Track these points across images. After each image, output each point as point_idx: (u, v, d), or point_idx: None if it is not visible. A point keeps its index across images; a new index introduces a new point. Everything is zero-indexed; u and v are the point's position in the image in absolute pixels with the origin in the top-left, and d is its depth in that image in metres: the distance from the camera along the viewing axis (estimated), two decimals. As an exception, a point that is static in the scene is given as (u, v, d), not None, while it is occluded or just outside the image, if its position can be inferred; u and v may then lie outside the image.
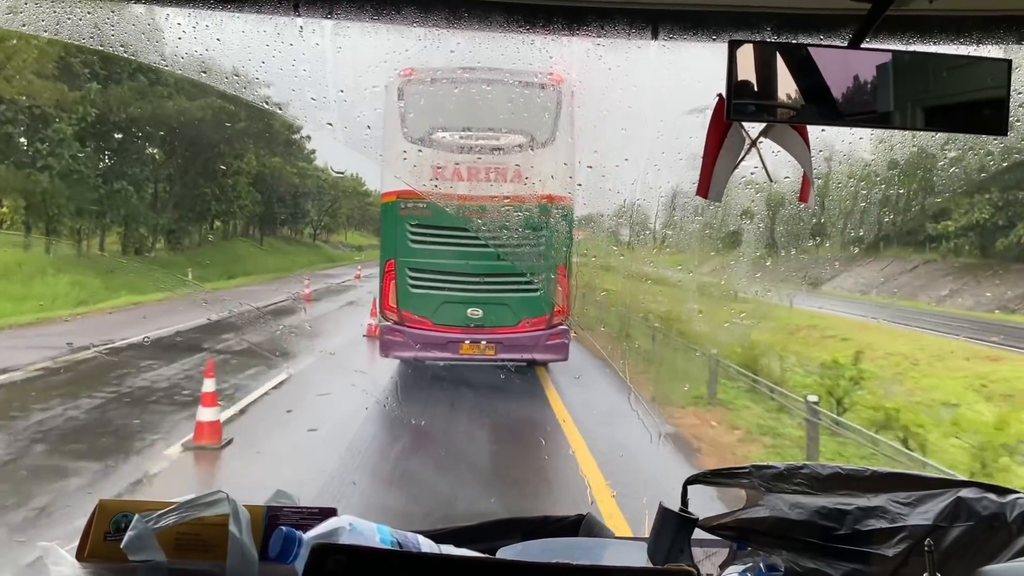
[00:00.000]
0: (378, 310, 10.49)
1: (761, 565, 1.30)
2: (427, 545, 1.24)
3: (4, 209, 25.05)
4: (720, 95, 1.27)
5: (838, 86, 1.25)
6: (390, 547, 1.18)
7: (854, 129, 1.48)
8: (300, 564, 1.10)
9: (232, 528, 1.16)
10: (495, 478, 7.01)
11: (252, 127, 29.51)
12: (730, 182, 1.39)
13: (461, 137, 9.51)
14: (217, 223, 35.22)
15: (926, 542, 1.17)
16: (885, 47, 1.29)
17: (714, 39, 1.40)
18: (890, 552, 1.27)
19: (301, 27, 1.30)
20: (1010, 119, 1.29)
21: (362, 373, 10.84)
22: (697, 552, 1.34)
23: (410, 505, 5.99)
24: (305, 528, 1.17)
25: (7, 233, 24.57)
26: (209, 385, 7.34)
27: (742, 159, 1.38)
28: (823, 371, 12.17)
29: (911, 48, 1.44)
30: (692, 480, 1.37)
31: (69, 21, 1.22)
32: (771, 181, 1.46)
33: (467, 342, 9.77)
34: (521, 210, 9.26)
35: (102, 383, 9.65)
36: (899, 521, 1.30)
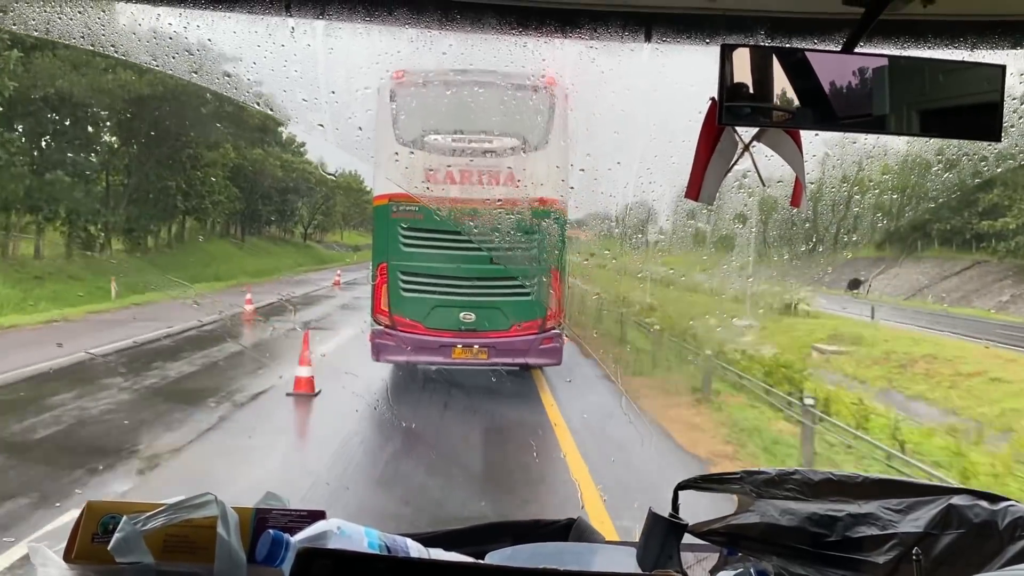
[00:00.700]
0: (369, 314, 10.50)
1: (751, 571, 1.31)
2: (416, 549, 1.25)
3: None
4: (713, 98, 1.28)
5: (831, 90, 1.26)
6: (378, 551, 1.18)
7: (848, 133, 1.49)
8: (287, 567, 1.11)
9: (220, 530, 1.17)
10: (488, 482, 7.03)
11: (223, 110, 26.67)
12: (724, 185, 1.40)
13: (454, 140, 9.53)
14: (191, 221, 32.29)
15: (914, 551, 1.18)
16: (879, 51, 1.31)
17: (707, 42, 1.42)
18: (880, 559, 1.28)
19: (293, 28, 1.31)
20: (1004, 124, 1.31)
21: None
22: (687, 557, 1.35)
23: (400, 508, 5.99)
24: (293, 531, 1.17)
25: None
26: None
27: (734, 163, 1.40)
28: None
29: (905, 52, 1.46)
30: (683, 485, 1.38)
31: (59, 21, 1.23)
32: (763, 185, 1.48)
33: (459, 346, 9.77)
34: (514, 214, 9.27)
35: None
36: (890, 528, 1.31)
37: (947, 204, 31.65)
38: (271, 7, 1.25)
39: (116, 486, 6.46)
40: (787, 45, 1.41)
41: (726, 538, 1.33)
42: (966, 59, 1.41)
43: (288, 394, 9.54)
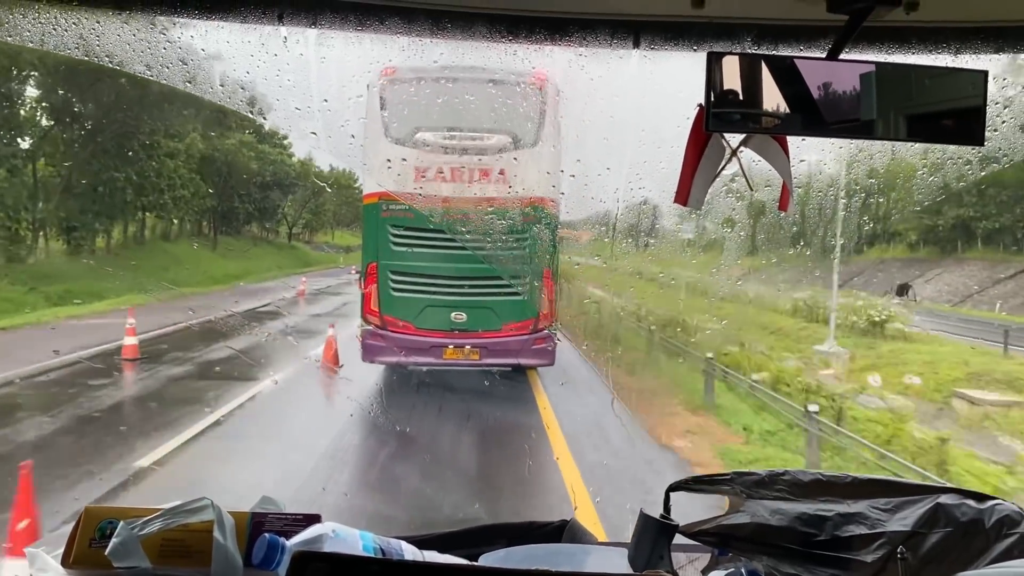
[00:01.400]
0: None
1: (742, 571, 1.34)
2: (410, 551, 1.28)
3: None
4: (700, 105, 1.32)
5: (817, 96, 1.30)
6: (372, 554, 1.22)
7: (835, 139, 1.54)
8: (283, 571, 1.14)
9: (216, 534, 1.20)
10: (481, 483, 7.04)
11: (190, 95, 22.86)
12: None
13: (444, 138, 9.55)
14: (152, 219, 29.45)
15: (899, 550, 1.22)
16: (864, 58, 1.34)
17: (695, 49, 1.46)
18: (868, 558, 1.32)
19: (285, 37, 1.34)
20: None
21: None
22: (679, 557, 1.39)
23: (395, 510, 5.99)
24: (289, 534, 1.21)
25: None
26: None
27: (722, 168, 1.44)
28: None
29: (890, 58, 1.50)
30: (674, 487, 1.42)
31: (55, 32, 1.26)
32: (751, 190, 1.52)
33: (451, 347, 9.80)
34: (505, 213, 9.31)
35: None
36: (878, 527, 1.35)
37: (995, 200, 30.94)
38: (264, 16, 1.29)
39: None
40: (773, 52, 1.45)
41: (717, 538, 1.37)
42: (950, 64, 1.45)
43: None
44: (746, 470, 1.44)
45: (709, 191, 1.47)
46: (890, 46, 1.47)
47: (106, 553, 1.15)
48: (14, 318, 15.48)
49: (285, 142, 37.35)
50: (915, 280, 32.60)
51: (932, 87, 1.35)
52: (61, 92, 22.70)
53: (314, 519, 1.28)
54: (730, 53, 1.28)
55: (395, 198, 9.72)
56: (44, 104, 23.23)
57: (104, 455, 7.51)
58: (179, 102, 24.26)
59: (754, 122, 1.31)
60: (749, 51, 1.44)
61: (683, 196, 1.45)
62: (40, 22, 1.23)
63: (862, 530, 1.35)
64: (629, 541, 1.38)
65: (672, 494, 1.40)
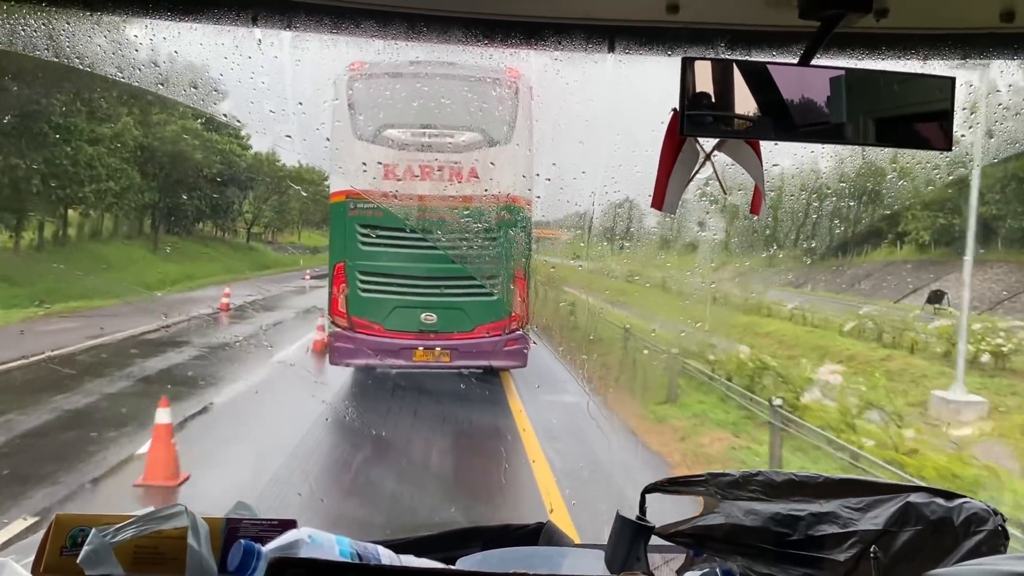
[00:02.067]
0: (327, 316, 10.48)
1: (717, 571, 1.39)
2: (387, 556, 1.31)
3: None
4: (675, 109, 1.37)
5: (789, 102, 1.35)
6: (349, 559, 1.24)
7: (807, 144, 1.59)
8: None
9: (191, 541, 1.22)
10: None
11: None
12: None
13: (413, 134, 9.55)
14: (78, 215, 26.34)
15: (872, 549, 1.27)
16: (835, 64, 1.40)
17: (669, 54, 1.50)
18: (841, 557, 1.37)
19: (259, 39, 1.35)
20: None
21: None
22: (655, 559, 1.44)
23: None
24: (264, 540, 1.23)
25: None
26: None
27: (696, 172, 1.49)
28: None
29: (860, 65, 1.56)
30: (650, 488, 1.46)
31: (23, 32, 1.26)
32: (725, 194, 1.57)
33: (420, 349, 9.80)
34: (477, 212, 9.33)
35: None
36: (850, 526, 1.40)
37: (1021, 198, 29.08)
38: (237, 18, 1.30)
39: None
40: (746, 58, 1.50)
41: (692, 539, 1.41)
42: (918, 71, 1.51)
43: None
44: (721, 471, 1.49)
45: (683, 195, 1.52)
46: (861, 52, 1.53)
47: (78, 561, 1.16)
48: None
49: (242, 133, 34.57)
50: (930, 284, 30.94)
51: (901, 93, 1.41)
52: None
53: (290, 524, 1.30)
54: (704, 58, 1.32)
55: (363, 196, 9.69)
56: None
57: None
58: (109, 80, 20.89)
59: (727, 126, 1.36)
60: (723, 56, 1.49)
61: (659, 200, 1.50)
62: (9, 22, 1.23)
63: (834, 529, 1.40)
64: (605, 543, 1.42)
65: (648, 496, 1.45)
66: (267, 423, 9.17)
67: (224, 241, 39.09)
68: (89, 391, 10.48)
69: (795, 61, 1.39)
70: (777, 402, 8.59)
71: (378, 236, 9.76)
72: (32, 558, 1.22)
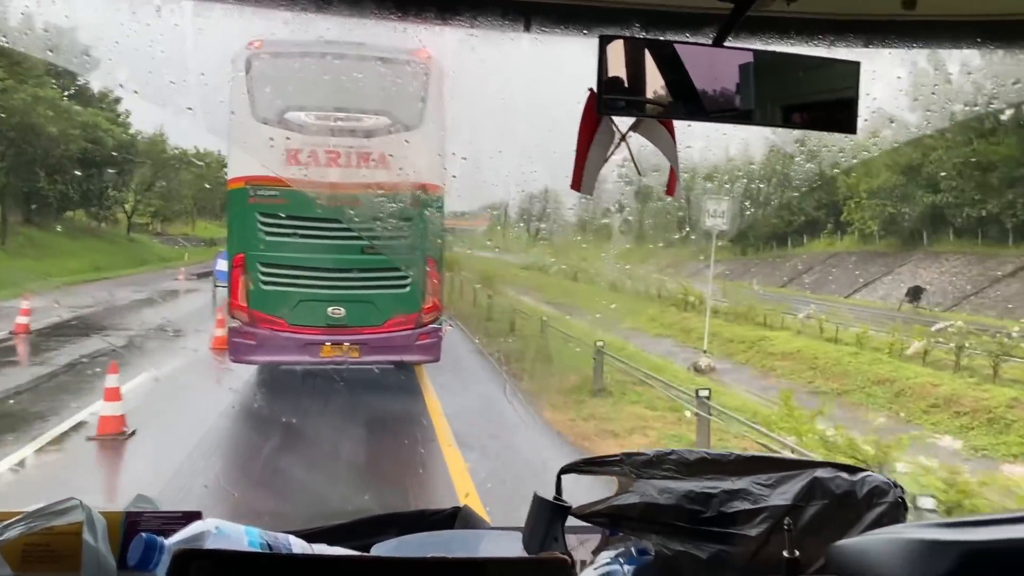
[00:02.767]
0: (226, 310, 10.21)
1: (632, 550, 1.45)
2: (299, 546, 1.31)
3: None
4: (591, 89, 1.41)
5: (703, 83, 1.41)
6: (259, 549, 1.24)
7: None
8: (162, 571, 1.14)
9: (86, 536, 1.19)
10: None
11: None
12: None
13: (319, 118, 9.38)
14: None
15: (785, 521, 1.35)
16: (747, 46, 1.46)
17: (585, 33, 1.54)
18: (753, 532, 1.45)
19: (159, 7, 1.32)
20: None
21: None
22: (571, 539, 1.48)
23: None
24: (168, 533, 1.21)
25: None
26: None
27: (612, 152, 1.53)
28: None
29: (771, 48, 1.63)
30: (566, 469, 1.51)
31: None
32: (640, 175, 1.62)
33: (328, 344, 9.66)
34: (387, 199, 9.25)
35: None
36: (761, 502, 1.49)
37: (980, 185, 27.75)
38: None
39: None
40: (661, 38, 1.55)
41: (608, 519, 1.47)
42: (826, 56, 1.59)
43: None
44: (635, 451, 1.55)
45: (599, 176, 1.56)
46: (771, 36, 1.60)
47: None
48: None
49: (116, 106, 32.08)
50: (881, 277, 30.11)
51: (809, 76, 1.49)
52: None
53: (194, 516, 1.29)
54: (620, 37, 1.37)
55: (265, 183, 9.46)
56: None
57: None
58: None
59: (641, 107, 1.41)
60: (638, 36, 1.53)
61: (577, 182, 1.54)
62: None
63: (746, 505, 1.48)
64: (523, 525, 1.45)
65: (564, 476, 1.49)
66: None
67: (98, 233, 35.10)
68: None
69: (709, 42, 1.45)
70: (704, 393, 8.59)
71: (281, 225, 9.55)
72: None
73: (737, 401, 10.88)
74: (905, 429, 9.52)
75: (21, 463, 7.51)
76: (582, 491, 1.53)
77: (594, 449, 8.53)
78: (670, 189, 1.64)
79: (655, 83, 1.39)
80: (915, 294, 26.08)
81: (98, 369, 10.41)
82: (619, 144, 1.53)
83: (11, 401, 9.73)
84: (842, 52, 1.65)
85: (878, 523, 1.46)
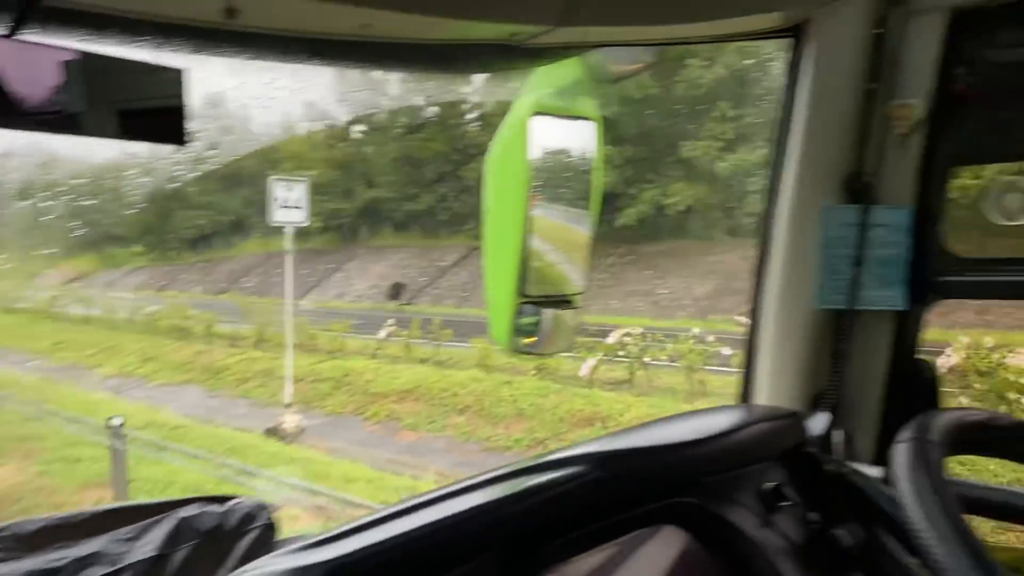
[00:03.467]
0: None
1: None
2: None
3: None
4: None
5: (4, 82, 1.22)
6: None
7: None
8: None
9: None
10: None
11: None
12: None
13: None
14: None
15: None
16: (58, 42, 1.30)
17: None
18: None
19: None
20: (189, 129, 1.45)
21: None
22: None
23: None
24: None
25: None
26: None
27: None
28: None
29: (88, 47, 1.48)
30: None
31: None
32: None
33: None
34: None
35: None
36: (120, 561, 1.35)
37: (414, 181, 29.58)
38: None
39: None
40: None
41: None
42: (150, 61, 1.50)
43: None
44: None
45: None
46: (88, 32, 1.45)
47: None
48: None
49: None
50: (332, 274, 30.04)
51: (134, 82, 1.40)
52: None
53: None
54: None
55: None
56: None
57: None
58: None
59: None
60: None
61: None
62: None
63: (105, 569, 1.33)
64: None
65: None
66: None
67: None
68: None
69: (5, 32, 1.24)
70: (117, 421, 7.50)
71: None
72: None
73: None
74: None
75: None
76: None
77: None
78: None
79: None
80: (396, 291, 26.56)
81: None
82: None
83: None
84: (167, 58, 1.58)
85: (251, 553, 1.45)
